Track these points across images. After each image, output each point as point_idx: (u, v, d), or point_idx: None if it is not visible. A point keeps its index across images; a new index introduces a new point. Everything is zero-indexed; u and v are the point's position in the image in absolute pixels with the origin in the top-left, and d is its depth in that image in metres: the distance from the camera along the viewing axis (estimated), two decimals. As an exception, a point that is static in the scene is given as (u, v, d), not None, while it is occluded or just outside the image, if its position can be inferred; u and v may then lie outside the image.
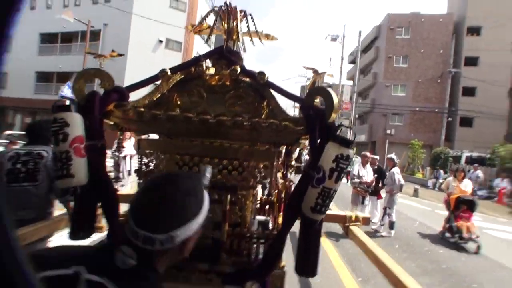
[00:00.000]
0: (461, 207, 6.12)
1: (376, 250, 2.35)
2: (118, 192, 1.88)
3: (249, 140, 1.65)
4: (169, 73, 1.62)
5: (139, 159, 1.74)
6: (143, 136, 1.87)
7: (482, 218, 9.16)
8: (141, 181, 1.81)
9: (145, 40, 21.14)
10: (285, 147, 1.94)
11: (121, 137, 1.65)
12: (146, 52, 20.75)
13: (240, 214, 1.81)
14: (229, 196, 1.64)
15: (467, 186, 6.38)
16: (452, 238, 6.04)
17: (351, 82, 32.23)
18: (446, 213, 6.92)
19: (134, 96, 1.60)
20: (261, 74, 1.63)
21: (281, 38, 2.05)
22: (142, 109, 1.54)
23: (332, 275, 4.10)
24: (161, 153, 1.75)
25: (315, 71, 1.67)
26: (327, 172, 1.25)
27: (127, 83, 1.68)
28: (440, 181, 17.71)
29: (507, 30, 22.56)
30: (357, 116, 31.13)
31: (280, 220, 2.02)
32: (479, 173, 15.54)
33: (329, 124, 1.42)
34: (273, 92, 1.66)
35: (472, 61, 27.33)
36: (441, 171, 18.60)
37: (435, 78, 28.11)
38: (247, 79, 1.69)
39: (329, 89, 1.46)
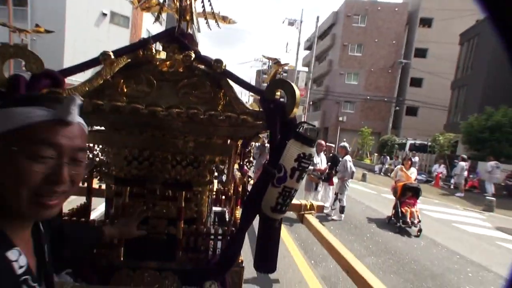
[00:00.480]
0: (407, 193, 6.56)
1: (329, 237, 2.44)
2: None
3: (204, 134, 1.55)
4: (112, 56, 1.42)
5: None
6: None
7: (420, 201, 10.13)
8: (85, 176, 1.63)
9: (86, 12, 17.65)
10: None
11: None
12: (87, 26, 17.56)
13: (196, 209, 1.73)
14: (183, 193, 1.54)
15: (412, 174, 6.95)
16: (398, 222, 6.45)
17: (306, 69, 32.77)
18: (390, 197, 7.49)
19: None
20: (218, 62, 1.51)
21: (239, 21, 1.91)
22: (81, 99, 1.35)
23: (287, 259, 4.24)
24: (106, 147, 1.58)
25: (277, 62, 1.59)
26: (288, 172, 1.21)
27: (66, 65, 1.46)
28: (386, 166, 19.20)
29: (456, 23, 23.91)
30: (311, 102, 32.02)
31: (237, 213, 1.98)
32: (416, 158, 17.05)
33: (290, 120, 1.37)
34: (230, 82, 1.57)
35: (421, 53, 29.23)
36: (387, 157, 20.09)
37: (387, 68, 29.79)
38: (203, 66, 1.56)
39: (292, 83, 1.41)
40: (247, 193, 1.85)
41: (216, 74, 1.56)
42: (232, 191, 2.13)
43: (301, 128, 1.27)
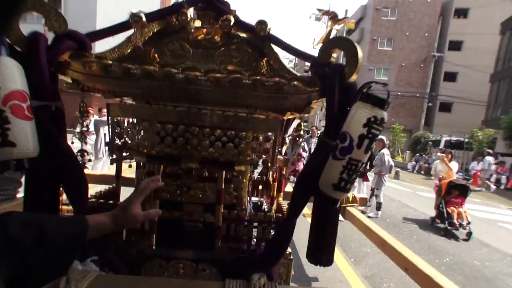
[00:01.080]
0: (453, 192, 5.92)
1: (380, 231, 2.17)
2: (87, 171, 1.56)
3: (247, 105, 1.35)
4: (144, 18, 1.27)
5: (110, 130, 1.41)
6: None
7: (461, 200, 9.43)
8: (113, 156, 1.49)
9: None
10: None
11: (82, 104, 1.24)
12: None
13: (235, 194, 1.54)
14: (223, 173, 1.35)
15: (454, 167, 6.38)
16: (443, 224, 5.86)
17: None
18: (426, 195, 6.91)
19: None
20: (262, 24, 1.32)
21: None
22: (109, 62, 1.20)
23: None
24: (137, 120, 1.42)
25: (333, 16, 1.35)
26: (355, 140, 0.98)
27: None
28: (420, 163, 18.24)
29: (495, 12, 22.22)
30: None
31: (280, 200, 1.77)
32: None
33: (351, 84, 1.14)
34: (275, 47, 1.36)
35: (456, 45, 27.58)
36: (424, 156, 19.05)
37: (418, 62, 28.37)
38: (242, 34, 1.38)
39: (352, 40, 1.17)
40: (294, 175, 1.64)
41: (258, 40, 1.36)
42: (275, 175, 1.91)
43: (369, 89, 1.03)
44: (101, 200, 1.46)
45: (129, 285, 1.00)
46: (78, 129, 2.00)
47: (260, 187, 2.44)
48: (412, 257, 1.71)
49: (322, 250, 1.14)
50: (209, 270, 1.36)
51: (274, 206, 1.86)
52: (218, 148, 1.40)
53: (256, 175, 2.50)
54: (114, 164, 1.58)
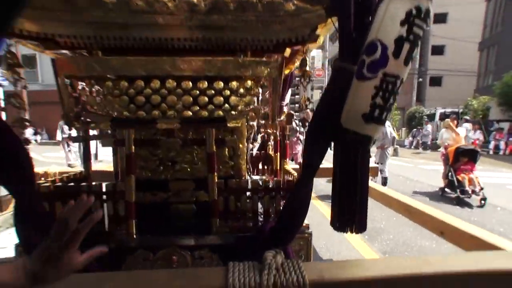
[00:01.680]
0: (462, 159, 5.54)
1: (403, 198, 1.90)
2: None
3: (234, 39, 1.05)
4: None
5: (60, 93, 1.09)
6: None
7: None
8: (71, 130, 1.19)
9: None
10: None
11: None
12: None
13: (231, 164, 1.25)
14: (213, 132, 1.06)
15: (462, 132, 6.12)
16: (454, 193, 5.48)
17: (319, 51, 31.63)
18: (428, 167, 6.65)
19: None
20: None
21: None
22: None
23: (337, 235, 3.72)
24: (93, 79, 1.11)
25: None
26: (390, 47, 0.69)
27: None
28: (418, 138, 18.18)
29: None
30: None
31: (287, 167, 1.48)
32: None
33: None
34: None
35: (441, 18, 27.29)
36: (421, 130, 18.87)
37: (405, 39, 28.15)
38: None
39: None
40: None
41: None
42: (278, 135, 1.61)
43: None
44: (71, 184, 1.16)
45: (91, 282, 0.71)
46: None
47: (260, 164, 2.16)
48: (447, 219, 1.45)
49: (353, 212, 0.86)
50: (208, 257, 1.08)
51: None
52: (204, 104, 1.11)
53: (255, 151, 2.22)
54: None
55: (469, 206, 5.37)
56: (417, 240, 3.60)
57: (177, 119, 1.04)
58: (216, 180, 1.07)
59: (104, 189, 1.09)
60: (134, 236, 1.06)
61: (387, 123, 6.16)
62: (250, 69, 1.08)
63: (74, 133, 6.29)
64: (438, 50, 28.10)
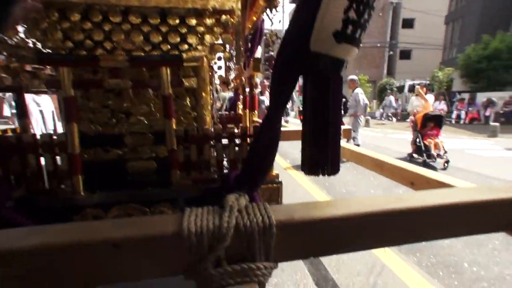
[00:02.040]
0: (429, 124, 5.79)
1: (372, 153, 1.88)
2: None
3: None
4: None
5: None
6: None
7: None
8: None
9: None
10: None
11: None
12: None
13: (194, 114, 1.13)
14: (167, 71, 0.92)
15: (430, 100, 6.33)
16: (421, 157, 5.82)
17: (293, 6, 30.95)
18: (398, 136, 6.89)
19: None
20: None
21: None
22: None
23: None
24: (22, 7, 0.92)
25: None
26: None
27: None
28: (388, 110, 18.83)
29: None
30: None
31: (255, 120, 1.38)
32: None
33: None
34: None
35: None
36: (391, 98, 19.48)
37: (377, 11, 28.25)
38: None
39: None
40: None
41: None
42: (244, 81, 1.49)
43: None
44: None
45: (18, 235, 0.59)
46: None
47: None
48: (417, 169, 1.44)
49: (326, 152, 0.78)
50: (169, 212, 0.97)
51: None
52: (157, 43, 0.96)
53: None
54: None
55: (434, 169, 5.71)
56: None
57: (124, 60, 0.89)
58: (175, 128, 0.95)
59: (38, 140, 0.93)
60: (82, 193, 0.93)
61: (359, 90, 6.21)
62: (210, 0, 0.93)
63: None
64: (408, 24, 28.60)
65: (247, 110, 1.64)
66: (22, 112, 1.18)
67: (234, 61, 1.05)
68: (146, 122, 1.09)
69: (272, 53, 1.26)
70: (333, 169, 0.81)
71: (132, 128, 1.08)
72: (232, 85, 1.75)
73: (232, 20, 1.01)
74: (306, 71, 0.74)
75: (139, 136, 1.08)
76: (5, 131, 1.16)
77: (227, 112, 2.03)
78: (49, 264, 0.56)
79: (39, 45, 1.01)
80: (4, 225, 0.80)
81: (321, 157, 0.78)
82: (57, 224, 0.63)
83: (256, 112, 1.39)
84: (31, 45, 0.95)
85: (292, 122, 11.75)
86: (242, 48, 1.03)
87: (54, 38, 0.91)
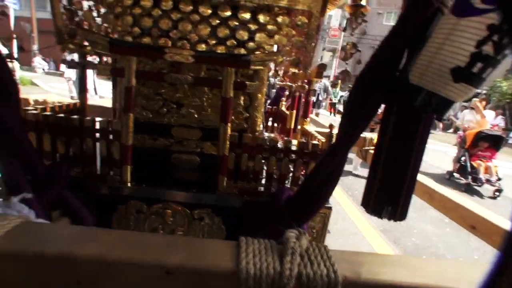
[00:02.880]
0: (481, 144, 5.02)
1: (427, 181, 1.73)
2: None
3: None
4: None
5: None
6: None
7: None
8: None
9: None
10: None
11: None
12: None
13: (246, 115, 1.07)
14: (233, 72, 0.85)
15: (489, 116, 5.59)
16: (464, 179, 5.07)
17: (340, 10, 29.25)
18: (438, 148, 6.24)
19: None
20: None
21: None
22: None
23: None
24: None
25: None
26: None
27: None
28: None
29: None
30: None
31: (306, 128, 1.29)
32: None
33: None
34: None
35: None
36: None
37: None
38: None
39: None
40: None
41: None
42: (297, 95, 1.41)
43: None
44: (61, 115, 1.00)
45: (71, 238, 0.57)
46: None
47: (270, 121, 1.96)
48: (480, 211, 1.29)
49: (397, 198, 0.69)
50: (209, 219, 0.94)
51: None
52: (224, 37, 0.90)
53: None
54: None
55: (479, 195, 4.98)
56: (420, 221, 3.45)
57: (189, 53, 0.83)
58: (229, 133, 0.89)
59: (97, 126, 0.92)
60: (129, 184, 0.92)
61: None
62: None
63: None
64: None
65: (294, 111, 1.56)
66: (82, 87, 1.19)
67: (300, 67, 0.96)
68: (196, 116, 1.05)
69: (347, 68, 1.15)
70: (401, 216, 0.72)
71: (181, 120, 1.05)
72: (278, 79, 1.66)
73: (307, 21, 0.92)
74: (395, 103, 0.65)
75: (187, 129, 1.04)
76: (68, 105, 1.18)
77: (269, 107, 1.95)
78: (97, 276, 0.54)
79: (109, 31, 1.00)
80: (60, 205, 0.81)
81: (392, 201, 0.70)
82: (110, 231, 0.61)
83: (308, 119, 1.30)
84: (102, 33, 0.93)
85: (323, 114, 11.22)
86: (312, 54, 0.93)
87: (124, 22, 0.88)
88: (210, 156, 1.02)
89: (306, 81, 1.30)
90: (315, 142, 0.93)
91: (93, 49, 0.90)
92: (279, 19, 0.93)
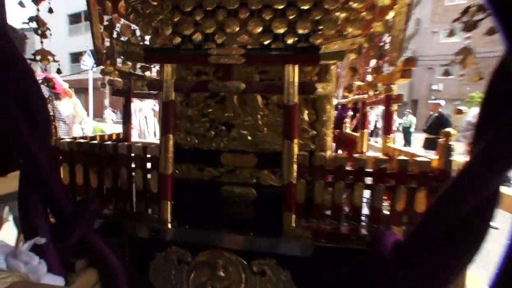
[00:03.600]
0: None
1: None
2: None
3: None
4: None
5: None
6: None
7: None
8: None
9: None
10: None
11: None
12: None
13: (313, 133, 0.84)
14: (293, 69, 0.63)
15: None
16: None
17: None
18: None
19: None
20: None
21: None
22: None
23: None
24: None
25: None
26: None
27: None
28: None
29: None
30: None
31: (390, 146, 0.97)
32: None
33: None
34: None
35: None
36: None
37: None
38: None
39: None
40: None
41: None
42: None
43: None
44: (109, 142, 0.89)
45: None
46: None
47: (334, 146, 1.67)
48: None
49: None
50: (273, 273, 0.68)
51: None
52: (280, 34, 0.70)
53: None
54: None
55: None
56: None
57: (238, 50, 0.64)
58: (296, 152, 0.66)
59: (131, 152, 0.76)
60: (169, 225, 0.72)
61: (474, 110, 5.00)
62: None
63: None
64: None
65: (365, 131, 1.28)
66: (127, 117, 1.09)
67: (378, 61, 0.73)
68: (249, 138, 0.85)
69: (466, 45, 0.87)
70: None
71: (231, 145, 0.85)
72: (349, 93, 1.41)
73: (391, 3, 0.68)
74: None
75: (239, 155, 0.84)
76: (110, 135, 1.08)
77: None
78: None
79: (147, 43, 0.90)
80: (86, 248, 0.64)
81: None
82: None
83: (391, 135, 1.00)
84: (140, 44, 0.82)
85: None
86: (400, 42, 0.68)
87: (164, 33, 0.75)
88: (269, 187, 0.80)
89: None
90: (423, 159, 0.64)
91: (129, 60, 0.77)
92: (353, 4, 0.71)
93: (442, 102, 5.61)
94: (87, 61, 9.82)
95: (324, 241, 0.65)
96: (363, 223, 0.67)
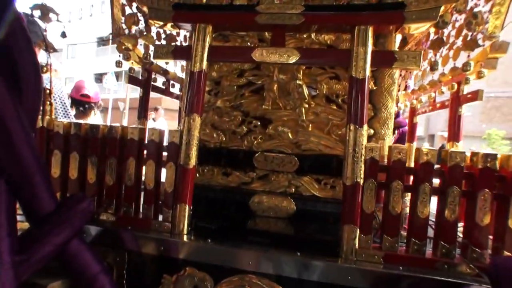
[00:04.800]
0: None
1: None
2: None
3: None
4: None
5: None
6: None
7: None
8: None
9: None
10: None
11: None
12: None
13: (370, 131, 0.68)
14: (368, 33, 0.48)
15: None
16: None
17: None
18: None
19: None
20: None
21: None
22: None
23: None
24: None
25: None
26: None
27: None
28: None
29: None
30: None
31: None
32: None
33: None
34: None
35: None
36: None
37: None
38: None
39: None
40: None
41: None
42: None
43: None
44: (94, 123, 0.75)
45: None
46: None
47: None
48: None
49: None
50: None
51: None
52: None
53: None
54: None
55: None
56: None
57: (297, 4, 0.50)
58: (365, 143, 0.49)
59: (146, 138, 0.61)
60: (185, 237, 0.54)
61: None
62: None
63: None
64: None
65: (413, 145, 1.11)
66: (143, 112, 0.96)
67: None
68: (290, 136, 0.69)
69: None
70: None
71: (267, 144, 0.70)
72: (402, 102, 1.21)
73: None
74: None
75: (276, 157, 0.67)
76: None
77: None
78: None
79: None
80: (66, 265, 0.47)
81: None
82: None
83: (460, 142, 0.82)
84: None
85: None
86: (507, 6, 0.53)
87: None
88: (313, 199, 0.63)
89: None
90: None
91: (154, 20, 0.64)
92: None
93: None
94: (110, 80, 10.14)
95: (402, 268, 0.46)
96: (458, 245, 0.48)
